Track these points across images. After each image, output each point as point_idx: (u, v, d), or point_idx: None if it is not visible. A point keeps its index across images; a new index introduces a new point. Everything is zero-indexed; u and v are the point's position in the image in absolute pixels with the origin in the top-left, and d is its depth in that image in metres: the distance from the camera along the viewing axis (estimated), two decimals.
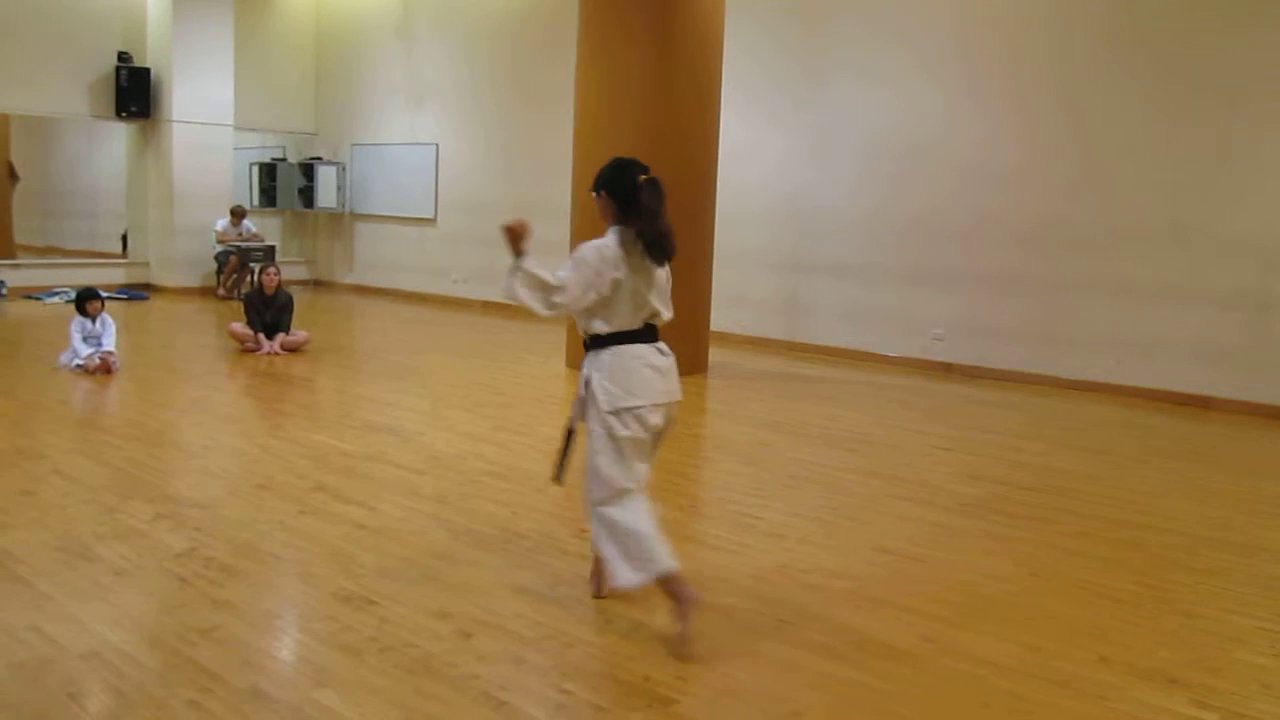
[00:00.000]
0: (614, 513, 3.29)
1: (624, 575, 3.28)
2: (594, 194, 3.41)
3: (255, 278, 11.08)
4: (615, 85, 7.98)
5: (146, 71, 12.94)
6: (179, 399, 7.07)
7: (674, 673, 3.07)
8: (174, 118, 12.86)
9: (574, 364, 7.99)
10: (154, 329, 10.71)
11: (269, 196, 14.77)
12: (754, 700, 2.94)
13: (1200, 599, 3.88)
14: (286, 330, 8.85)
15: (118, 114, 12.89)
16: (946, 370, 9.12)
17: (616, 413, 3.28)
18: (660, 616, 3.41)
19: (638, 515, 3.29)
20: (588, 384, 3.35)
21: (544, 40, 11.74)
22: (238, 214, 13.18)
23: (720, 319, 9.31)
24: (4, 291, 11.93)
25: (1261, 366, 7.58)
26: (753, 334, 10.30)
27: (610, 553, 3.32)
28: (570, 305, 3.29)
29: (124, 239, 14.16)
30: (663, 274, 3.42)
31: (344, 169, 14.42)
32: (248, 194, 14.47)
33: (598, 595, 3.62)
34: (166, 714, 2.73)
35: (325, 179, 14.42)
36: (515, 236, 3.30)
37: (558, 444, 3.56)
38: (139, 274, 13.48)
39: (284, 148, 14.96)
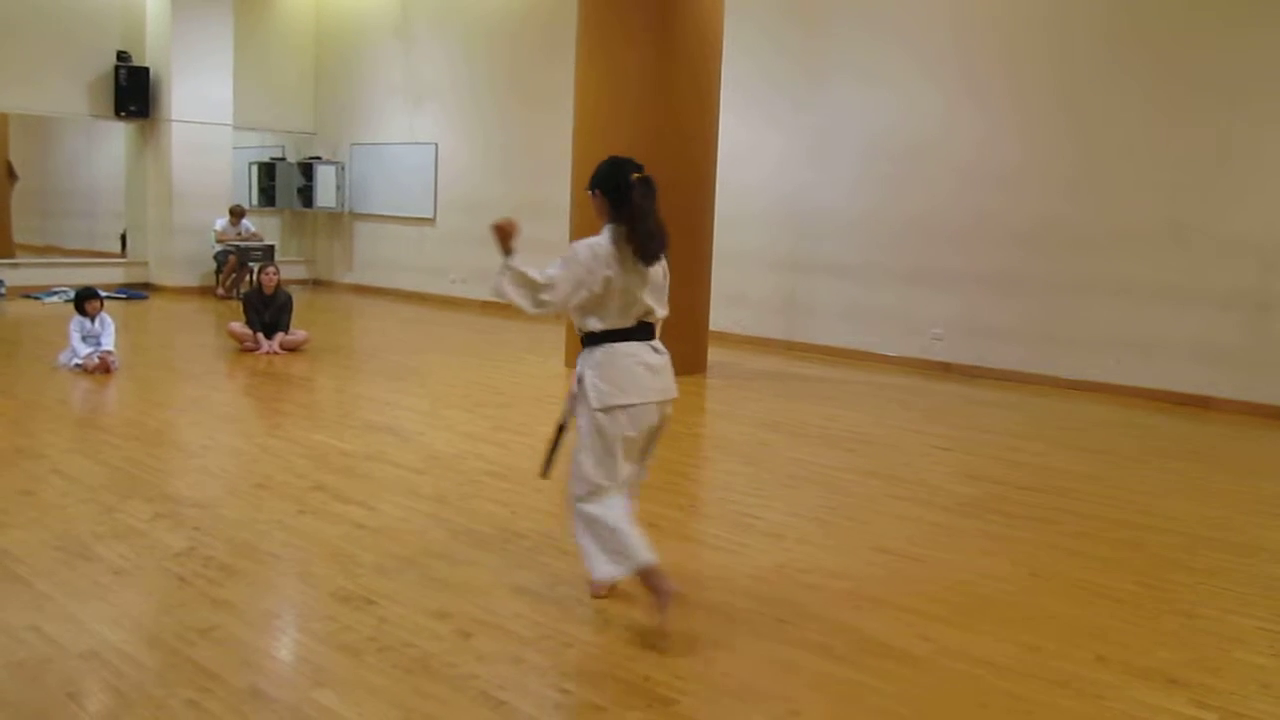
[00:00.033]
0: (593, 509, 3.34)
1: (602, 568, 3.34)
2: (590, 192, 3.45)
3: (254, 277, 11.06)
4: (614, 85, 7.98)
5: (145, 71, 12.93)
6: (178, 398, 7.07)
7: (673, 672, 3.07)
8: (173, 117, 12.85)
9: (573, 363, 7.97)
10: (153, 328, 10.71)
11: (268, 196, 14.76)
12: (753, 700, 2.94)
13: (1200, 599, 3.88)
14: (285, 330, 8.84)
15: (117, 113, 12.88)
16: (946, 370, 9.12)
17: (607, 410, 3.31)
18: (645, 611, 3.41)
19: (616, 512, 3.33)
20: (580, 380, 3.38)
21: (543, 40, 11.73)
22: (237, 213, 13.17)
23: (719, 318, 9.31)
24: (3, 291, 11.91)
25: (1261, 366, 7.58)
26: (752, 334, 10.30)
27: (589, 546, 3.37)
28: (559, 303, 3.32)
29: (123, 238, 14.15)
30: (659, 272, 3.44)
31: (343, 169, 14.42)
32: (247, 193, 14.46)
33: (596, 595, 3.62)
34: (165, 713, 2.73)
35: (324, 178, 14.42)
36: (504, 235, 3.35)
37: (549, 438, 3.58)
38: (138, 273, 13.47)
39: (283, 147, 14.95)
